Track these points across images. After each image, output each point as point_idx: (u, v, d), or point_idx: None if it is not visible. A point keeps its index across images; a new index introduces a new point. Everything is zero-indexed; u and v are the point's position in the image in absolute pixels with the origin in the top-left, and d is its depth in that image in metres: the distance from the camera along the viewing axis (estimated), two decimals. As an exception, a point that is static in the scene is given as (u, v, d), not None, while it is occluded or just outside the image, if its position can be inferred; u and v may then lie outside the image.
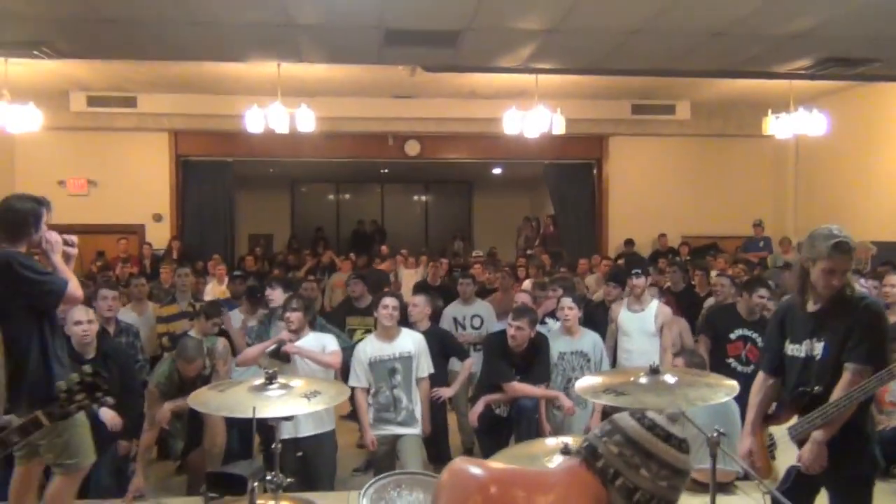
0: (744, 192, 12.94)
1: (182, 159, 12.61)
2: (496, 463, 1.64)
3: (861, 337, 2.86)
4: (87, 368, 2.70)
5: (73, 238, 3.62)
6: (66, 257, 3.58)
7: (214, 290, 8.59)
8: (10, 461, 3.72)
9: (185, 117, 11.91)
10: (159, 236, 12.34)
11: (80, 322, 4.80)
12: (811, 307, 3.02)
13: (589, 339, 5.50)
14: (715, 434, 2.66)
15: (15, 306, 3.35)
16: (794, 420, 3.11)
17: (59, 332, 3.62)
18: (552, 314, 6.41)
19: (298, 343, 4.89)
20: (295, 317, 4.93)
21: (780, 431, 3.19)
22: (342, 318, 6.91)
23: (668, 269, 9.29)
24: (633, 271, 6.05)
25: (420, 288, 7.58)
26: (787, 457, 3.13)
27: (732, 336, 5.51)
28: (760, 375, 3.24)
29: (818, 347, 2.96)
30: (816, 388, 2.97)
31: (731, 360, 5.50)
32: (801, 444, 3.07)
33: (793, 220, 12.54)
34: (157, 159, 12.39)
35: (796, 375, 3.07)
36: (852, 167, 10.84)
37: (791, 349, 3.09)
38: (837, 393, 2.89)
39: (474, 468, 1.59)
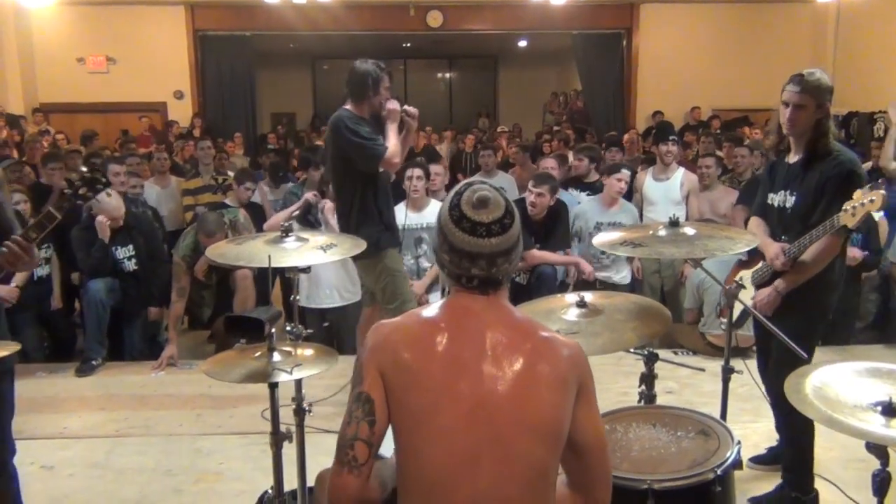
0: (780, 63, 12.30)
1: (200, 34, 12.34)
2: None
3: (831, 199, 2.83)
4: (84, 168, 2.78)
5: (414, 111, 3.92)
6: (403, 126, 3.89)
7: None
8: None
9: (201, -12, 11.58)
10: (182, 114, 12.26)
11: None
12: (791, 158, 3.05)
13: (629, 212, 5.57)
14: (734, 285, 2.65)
15: (344, 159, 3.80)
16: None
17: (382, 183, 3.96)
18: (574, 183, 6.35)
19: (334, 222, 4.90)
20: None
21: (748, 275, 3.31)
22: None
23: (703, 140, 9.04)
24: (671, 137, 5.97)
25: (431, 156, 7.47)
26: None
27: None
28: (753, 218, 3.30)
29: (790, 199, 3.01)
30: (783, 237, 3.03)
31: None
32: (758, 287, 3.16)
33: (830, 91, 12.05)
34: (175, 34, 12.13)
35: (772, 224, 3.14)
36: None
37: (769, 198, 3.14)
38: (811, 252, 2.90)
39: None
